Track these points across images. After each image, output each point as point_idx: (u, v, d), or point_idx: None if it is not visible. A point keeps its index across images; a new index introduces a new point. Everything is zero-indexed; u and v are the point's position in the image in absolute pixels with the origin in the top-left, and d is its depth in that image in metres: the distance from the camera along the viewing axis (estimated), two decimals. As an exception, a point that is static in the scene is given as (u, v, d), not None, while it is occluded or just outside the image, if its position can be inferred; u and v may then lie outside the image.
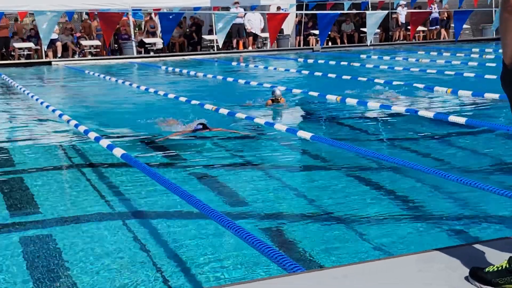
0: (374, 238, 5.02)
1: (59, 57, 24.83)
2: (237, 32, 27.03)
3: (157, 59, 25.07)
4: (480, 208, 5.74)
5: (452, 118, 9.75)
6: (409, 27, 29.83)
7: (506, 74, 3.10)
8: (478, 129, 9.31)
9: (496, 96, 10.42)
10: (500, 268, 3.07)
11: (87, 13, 28.12)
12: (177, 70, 20.46)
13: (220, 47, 26.45)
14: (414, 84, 14.38)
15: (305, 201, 6.25)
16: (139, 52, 26.09)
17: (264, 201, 6.19)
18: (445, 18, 31.01)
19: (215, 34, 25.84)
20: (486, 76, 13.48)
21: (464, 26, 31.10)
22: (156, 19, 26.71)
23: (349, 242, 4.98)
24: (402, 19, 30.12)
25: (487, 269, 3.12)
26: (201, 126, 9.08)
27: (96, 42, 26.00)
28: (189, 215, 5.61)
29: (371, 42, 27.04)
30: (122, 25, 26.20)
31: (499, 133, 8.91)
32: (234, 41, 27.17)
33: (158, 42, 26.39)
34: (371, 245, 4.90)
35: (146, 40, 26.46)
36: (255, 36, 27.81)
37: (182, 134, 9.20)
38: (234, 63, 23.43)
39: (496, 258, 3.28)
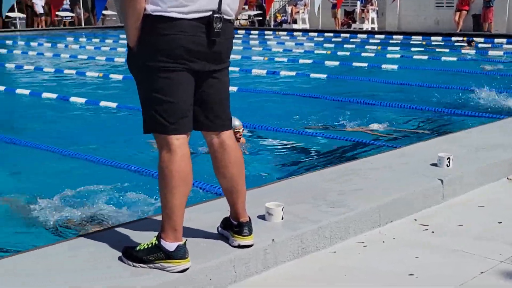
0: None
1: None
2: None
3: None
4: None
5: (103, 103, 9.88)
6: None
7: (131, 57, 3.14)
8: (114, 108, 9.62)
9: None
10: (150, 245, 3.12)
11: None
12: None
13: None
14: (65, 71, 14.26)
15: None
16: None
17: None
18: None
19: None
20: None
21: (111, 12, 31.47)
22: None
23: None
24: (39, 9, 28.85)
25: (138, 247, 3.15)
26: None
27: None
28: None
29: None
30: None
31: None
32: None
33: None
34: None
35: None
36: None
37: None
38: None
39: (146, 237, 3.32)
